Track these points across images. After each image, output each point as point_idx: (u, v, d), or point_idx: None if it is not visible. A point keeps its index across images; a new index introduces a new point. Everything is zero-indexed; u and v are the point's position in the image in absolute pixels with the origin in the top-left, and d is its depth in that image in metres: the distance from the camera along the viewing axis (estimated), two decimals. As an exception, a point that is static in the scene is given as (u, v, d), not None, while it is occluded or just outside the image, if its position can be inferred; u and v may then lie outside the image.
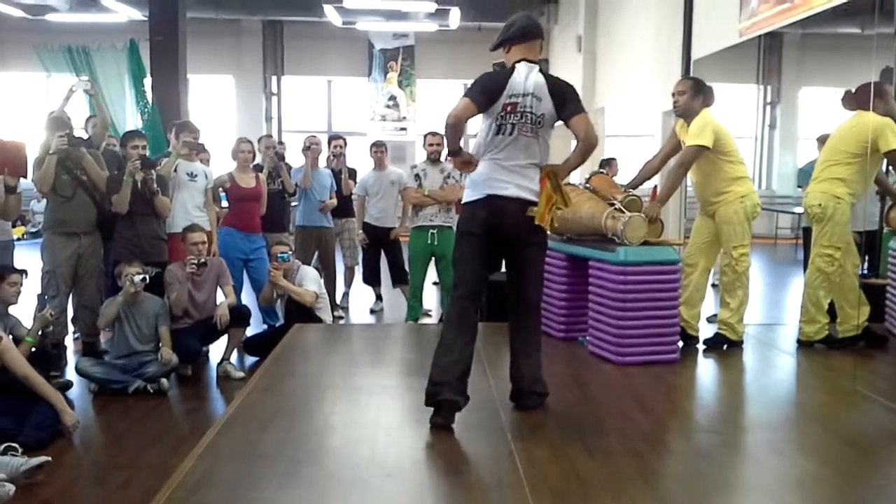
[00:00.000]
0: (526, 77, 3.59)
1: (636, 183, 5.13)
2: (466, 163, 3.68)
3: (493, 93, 3.57)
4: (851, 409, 4.09)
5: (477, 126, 3.73)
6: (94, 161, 5.57)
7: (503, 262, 3.81)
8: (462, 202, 3.78)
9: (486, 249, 3.66)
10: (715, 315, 5.75)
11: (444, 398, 3.49)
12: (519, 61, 3.63)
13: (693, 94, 4.87)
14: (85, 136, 6.34)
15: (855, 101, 4.90)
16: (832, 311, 5.08)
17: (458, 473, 3.15)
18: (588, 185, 5.12)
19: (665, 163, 5.23)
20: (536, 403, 3.77)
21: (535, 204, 3.58)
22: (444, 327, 3.68)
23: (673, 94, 4.97)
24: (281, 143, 8.03)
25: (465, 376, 3.55)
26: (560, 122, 3.68)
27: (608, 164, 9.32)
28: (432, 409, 3.53)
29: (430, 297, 8.09)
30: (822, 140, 6.56)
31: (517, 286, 3.75)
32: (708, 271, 5.18)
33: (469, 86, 3.66)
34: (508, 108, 3.56)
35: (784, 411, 4.10)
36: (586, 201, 4.87)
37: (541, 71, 3.63)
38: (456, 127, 3.55)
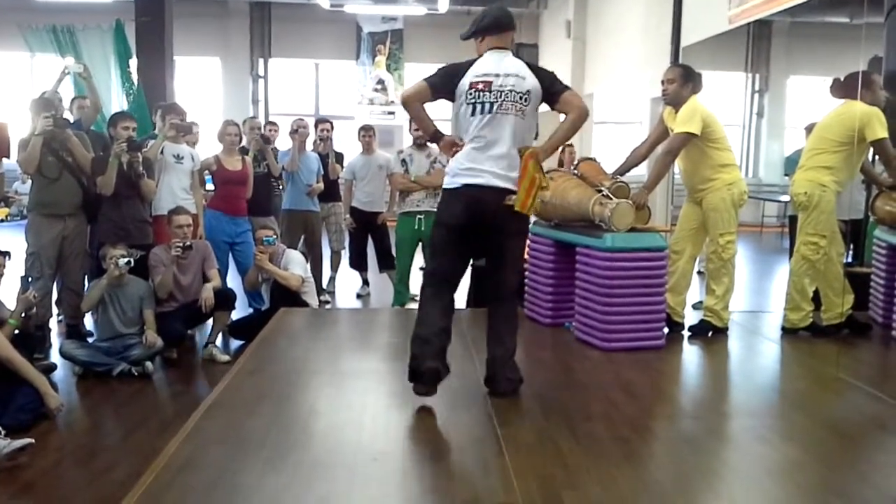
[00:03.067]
0: (497, 61, 3.58)
1: (624, 170, 5.13)
2: (450, 144, 3.67)
3: (452, 75, 3.57)
4: (834, 395, 4.12)
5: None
6: (79, 143, 5.52)
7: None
8: (443, 188, 3.76)
9: (462, 240, 3.64)
10: (700, 302, 5.77)
11: (425, 367, 3.52)
12: (490, 50, 3.63)
13: (682, 82, 4.86)
14: (71, 118, 6.29)
15: (843, 89, 4.92)
16: (817, 299, 5.11)
17: (444, 458, 3.15)
18: (576, 172, 5.13)
19: (652, 150, 5.24)
20: (508, 388, 3.71)
21: (514, 192, 3.52)
22: (420, 305, 3.70)
23: (662, 82, 4.96)
24: (273, 124, 7.93)
25: (444, 348, 3.59)
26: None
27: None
28: (413, 382, 3.58)
29: (417, 283, 8.05)
30: (809, 129, 6.56)
31: (496, 273, 3.73)
32: (694, 258, 5.20)
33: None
34: (480, 87, 3.53)
35: (768, 398, 4.12)
36: (574, 187, 4.87)
37: (516, 55, 3.63)
38: (408, 106, 3.57)
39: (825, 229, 4.91)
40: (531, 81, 3.56)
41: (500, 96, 3.52)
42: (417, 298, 7.40)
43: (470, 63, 3.61)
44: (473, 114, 3.55)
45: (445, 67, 3.65)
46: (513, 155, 3.56)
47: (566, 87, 3.62)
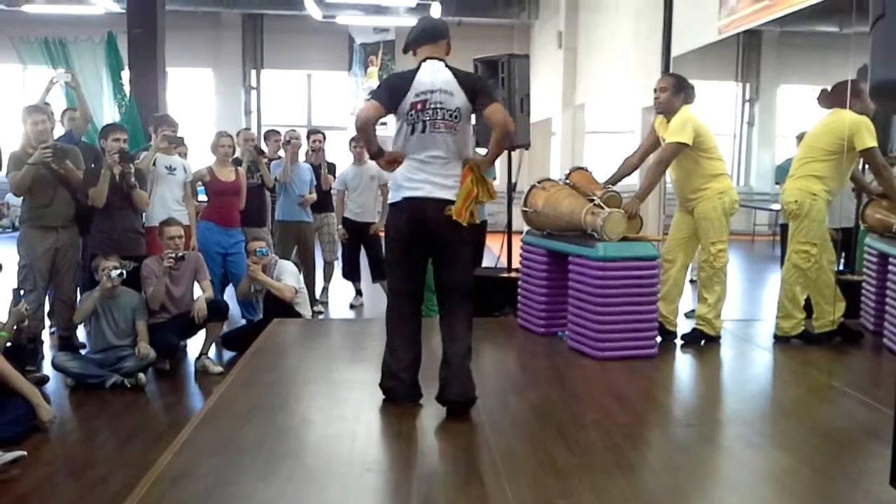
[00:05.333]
0: (432, 73, 3.61)
1: (615, 179, 5.15)
2: (392, 161, 3.71)
3: (397, 92, 3.61)
4: (826, 403, 4.14)
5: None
6: (73, 169, 5.49)
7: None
8: (387, 203, 3.82)
9: (412, 251, 3.70)
10: (693, 310, 5.79)
11: (398, 402, 3.75)
12: (425, 60, 3.67)
13: (675, 91, 4.89)
14: (62, 130, 6.28)
15: (831, 99, 4.95)
16: (808, 307, 5.13)
17: (438, 468, 3.16)
18: (568, 181, 5.14)
19: (644, 159, 5.26)
20: (456, 399, 3.62)
21: (452, 203, 3.56)
22: (388, 328, 3.79)
23: (654, 91, 4.99)
24: (276, 133, 7.95)
25: (413, 381, 3.75)
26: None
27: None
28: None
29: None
30: (801, 137, 6.62)
31: (443, 277, 3.73)
32: (686, 267, 5.21)
33: (375, 87, 3.69)
34: (418, 107, 3.58)
35: (760, 405, 4.13)
36: (566, 197, 4.89)
37: (448, 66, 3.66)
38: (365, 130, 3.61)
39: (816, 237, 4.94)
40: (459, 98, 3.59)
41: (434, 114, 3.58)
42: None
43: (411, 76, 3.64)
44: (413, 133, 3.61)
45: (390, 83, 3.75)
46: (450, 165, 3.62)
47: (490, 101, 3.61)
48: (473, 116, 3.71)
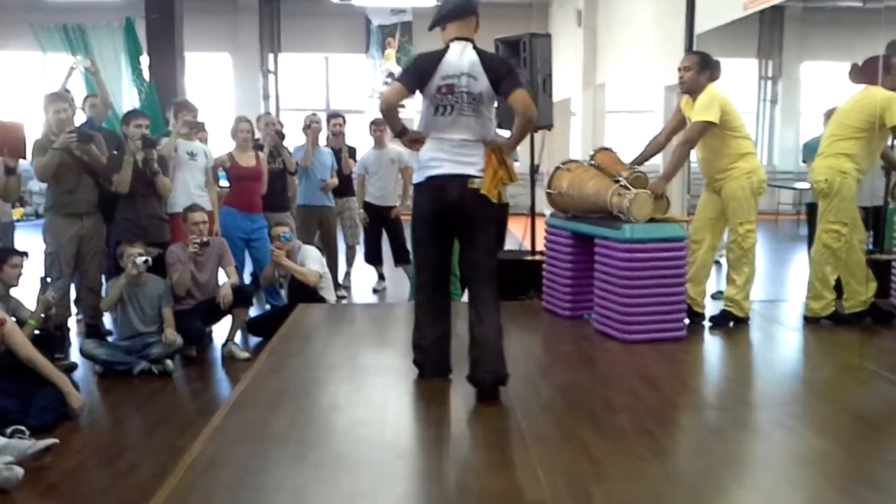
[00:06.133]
0: (459, 56, 3.61)
1: (641, 159, 5.08)
2: (414, 141, 3.74)
3: (423, 74, 3.62)
4: (858, 384, 4.09)
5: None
6: (98, 153, 5.49)
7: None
8: (412, 183, 3.84)
9: (437, 229, 3.73)
10: (720, 292, 5.73)
11: (428, 379, 3.85)
12: (454, 40, 3.65)
13: (699, 70, 4.82)
14: (84, 117, 6.29)
15: (862, 74, 4.85)
16: (839, 287, 5.06)
17: (468, 454, 3.14)
18: (593, 162, 5.09)
19: (670, 139, 5.20)
20: (486, 380, 3.58)
21: (475, 177, 3.59)
22: (416, 306, 3.88)
23: (679, 70, 4.92)
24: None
25: (442, 355, 3.85)
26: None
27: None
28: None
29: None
30: (828, 114, 6.51)
31: (468, 257, 3.75)
32: (714, 248, 5.16)
33: (403, 69, 3.70)
34: (444, 90, 3.60)
35: (791, 387, 4.09)
36: (591, 178, 4.84)
37: (475, 48, 3.65)
38: (388, 112, 3.64)
39: (846, 217, 4.86)
40: (483, 82, 3.59)
41: (460, 97, 3.60)
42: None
43: (438, 58, 3.62)
44: (436, 114, 3.65)
45: (417, 64, 3.71)
46: (473, 145, 3.63)
47: (513, 87, 3.59)
48: (496, 100, 3.71)
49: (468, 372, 3.65)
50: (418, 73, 3.64)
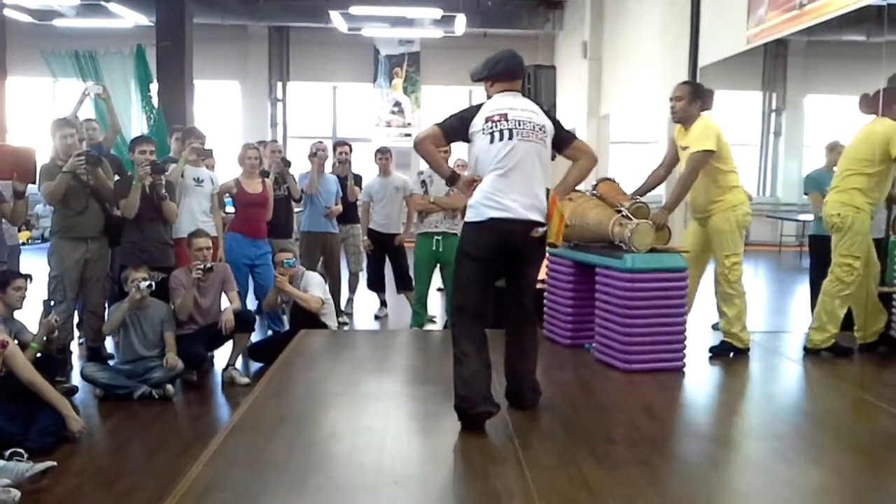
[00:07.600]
0: (511, 99, 3.67)
1: (643, 191, 5.12)
2: (469, 183, 3.68)
3: (464, 119, 3.63)
4: (860, 417, 4.08)
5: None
6: (105, 178, 5.55)
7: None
8: (465, 220, 3.75)
9: (490, 272, 3.68)
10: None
11: (475, 412, 3.51)
12: (501, 92, 3.71)
13: (691, 99, 4.86)
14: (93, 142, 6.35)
15: (872, 104, 4.87)
16: (849, 320, 5.06)
17: (466, 481, 3.14)
18: (595, 192, 5.11)
19: (670, 171, 5.24)
20: (533, 402, 3.86)
21: (540, 224, 3.58)
22: (455, 340, 3.64)
23: (670, 100, 4.96)
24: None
25: (488, 386, 3.57)
26: None
27: None
28: (463, 421, 3.55)
29: (435, 304, 8.08)
30: (830, 147, 6.55)
31: (517, 297, 3.79)
32: (698, 279, 5.16)
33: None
34: (496, 118, 3.58)
35: (792, 419, 4.07)
36: (593, 208, 4.86)
37: (525, 97, 3.75)
38: (421, 148, 3.61)
39: (859, 251, 4.86)
40: (545, 119, 3.66)
41: (519, 125, 3.58)
42: (434, 320, 7.50)
43: (480, 105, 3.69)
44: (492, 142, 3.57)
45: (458, 112, 3.72)
46: (534, 181, 3.59)
47: (573, 135, 3.76)
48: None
49: (507, 400, 3.83)
50: (460, 117, 3.65)
